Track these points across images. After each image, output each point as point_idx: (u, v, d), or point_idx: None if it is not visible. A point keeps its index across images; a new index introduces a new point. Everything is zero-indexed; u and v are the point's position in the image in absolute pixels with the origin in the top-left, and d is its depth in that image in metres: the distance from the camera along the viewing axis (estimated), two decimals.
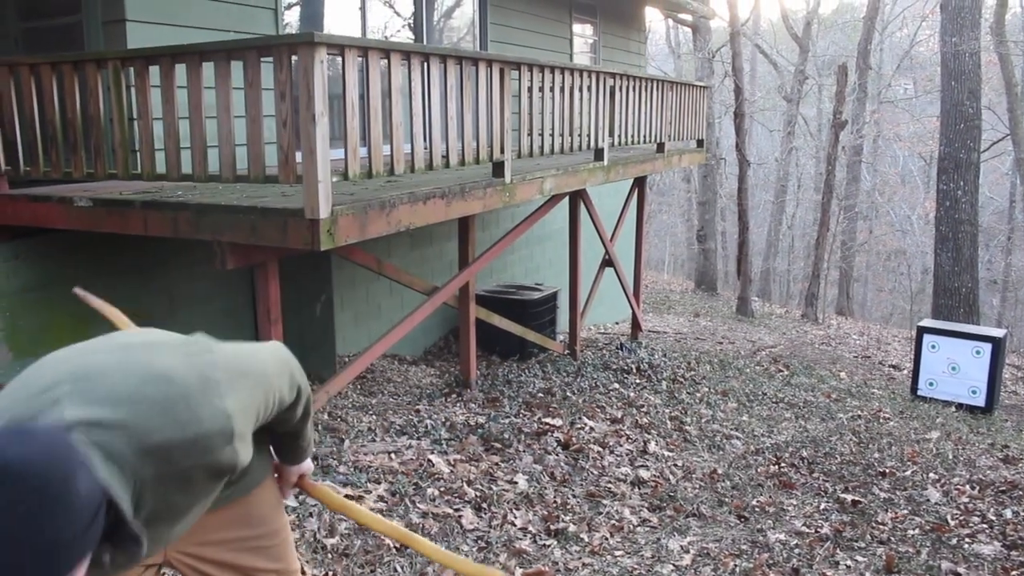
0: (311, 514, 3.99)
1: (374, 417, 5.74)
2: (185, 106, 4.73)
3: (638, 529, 4.50)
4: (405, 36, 8.59)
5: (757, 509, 4.91)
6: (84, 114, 5.08)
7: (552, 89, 6.72)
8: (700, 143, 11.77)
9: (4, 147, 5.32)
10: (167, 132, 4.75)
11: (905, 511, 4.99)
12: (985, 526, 4.80)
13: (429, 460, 4.85)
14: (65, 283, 5.66)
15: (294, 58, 4.39)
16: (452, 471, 4.79)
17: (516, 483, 4.80)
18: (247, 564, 1.94)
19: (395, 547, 3.81)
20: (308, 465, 2.14)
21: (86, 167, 5.15)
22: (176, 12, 6.11)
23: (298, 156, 4.15)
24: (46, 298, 5.57)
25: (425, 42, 8.61)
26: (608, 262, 9.78)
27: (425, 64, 4.95)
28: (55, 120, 5.13)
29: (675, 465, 5.62)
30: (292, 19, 7.41)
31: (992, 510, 5.05)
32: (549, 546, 4.11)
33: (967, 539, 4.59)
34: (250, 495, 1.95)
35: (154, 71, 4.83)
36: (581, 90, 7.26)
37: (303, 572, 3.36)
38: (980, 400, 8.78)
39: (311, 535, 3.83)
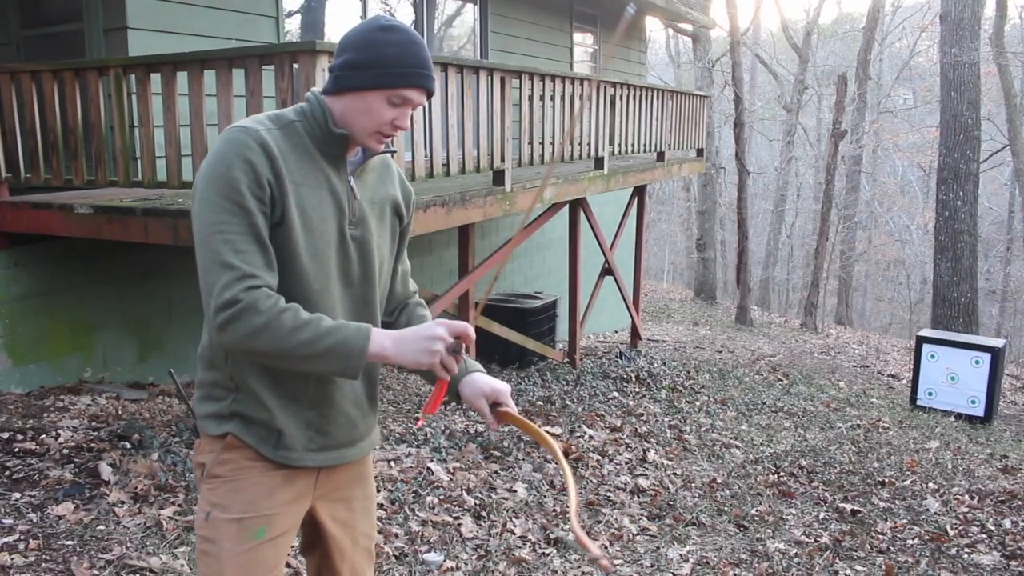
0: None
1: None
2: (186, 114, 4.75)
3: (637, 538, 4.50)
4: None
5: (756, 518, 4.90)
6: (85, 121, 5.09)
7: (553, 98, 6.74)
8: (700, 152, 11.80)
9: (5, 154, 5.33)
10: (168, 140, 4.77)
11: (904, 521, 4.98)
12: (984, 536, 4.79)
13: (428, 468, 4.85)
14: (65, 290, 5.68)
15: (295, 66, 4.41)
16: (451, 479, 4.78)
17: (515, 491, 4.79)
18: (358, 525, 2.03)
19: (394, 555, 3.81)
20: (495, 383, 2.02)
21: (87, 174, 5.16)
22: (178, 20, 6.13)
23: None
24: (46, 305, 5.57)
25: None
26: (608, 271, 9.79)
27: None
28: (56, 127, 5.15)
29: (674, 474, 5.62)
30: (293, 27, 7.43)
31: (991, 520, 5.05)
32: (548, 554, 4.11)
33: (966, 549, 4.59)
34: (370, 453, 2.06)
35: (156, 79, 4.85)
36: (582, 99, 7.28)
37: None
38: (979, 410, 8.78)
39: None
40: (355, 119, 1.78)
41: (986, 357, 8.80)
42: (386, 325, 2.07)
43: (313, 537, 2.01)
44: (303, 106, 1.83)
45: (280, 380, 1.80)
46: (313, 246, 1.77)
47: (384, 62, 1.75)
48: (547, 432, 2.15)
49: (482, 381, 2.00)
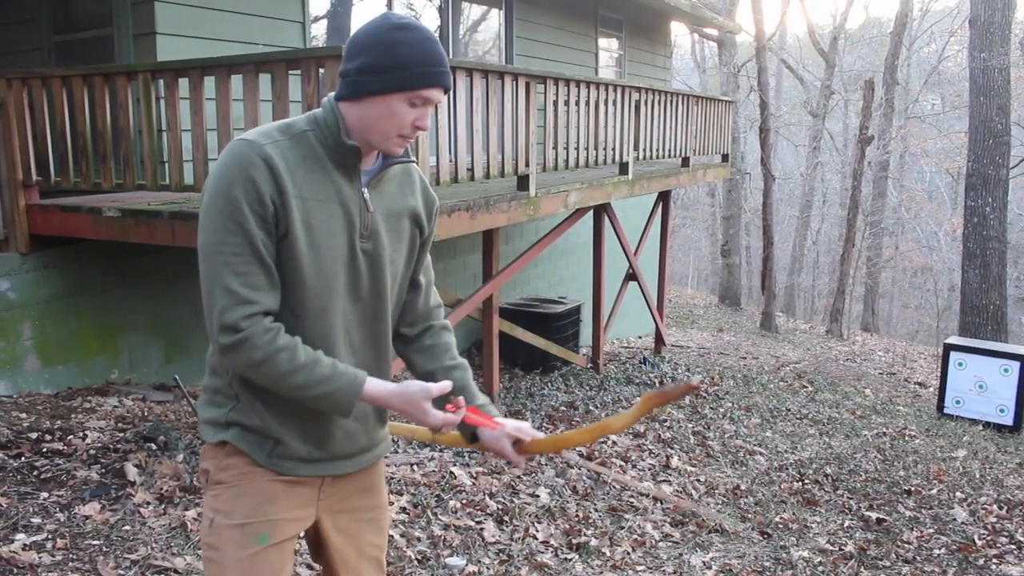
0: None
1: None
2: (213, 118, 4.79)
3: (660, 544, 4.48)
4: None
5: (780, 526, 4.87)
6: (114, 125, 5.14)
7: (578, 103, 6.74)
8: (725, 158, 11.75)
9: (36, 157, 5.40)
10: (195, 144, 4.81)
11: (931, 530, 4.93)
12: (1013, 547, 4.74)
13: (451, 472, 4.85)
14: (93, 292, 5.74)
15: (321, 71, 4.44)
16: (474, 484, 4.79)
17: (538, 496, 4.79)
18: (364, 536, 2.02)
19: (416, 559, 3.81)
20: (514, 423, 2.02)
21: (115, 178, 5.22)
22: (206, 25, 6.19)
23: None
24: (74, 307, 5.63)
25: (451, 56, 8.65)
26: (632, 276, 9.76)
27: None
28: (86, 131, 5.20)
29: (698, 480, 5.59)
30: (319, 32, 7.48)
31: (1020, 530, 4.98)
32: (571, 560, 4.10)
33: (994, 560, 4.53)
34: (379, 463, 2.06)
35: (184, 83, 4.90)
36: (607, 104, 7.27)
37: None
38: (1008, 419, 8.67)
39: None
40: (376, 124, 1.75)
41: (1015, 365, 8.69)
42: (409, 339, 2.06)
43: (317, 547, 2.02)
44: (317, 113, 1.80)
45: (279, 394, 1.80)
46: (317, 263, 1.75)
47: (403, 63, 1.71)
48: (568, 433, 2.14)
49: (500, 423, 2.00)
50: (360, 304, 1.86)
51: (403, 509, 4.26)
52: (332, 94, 1.81)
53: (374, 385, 1.77)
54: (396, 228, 1.90)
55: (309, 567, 3.50)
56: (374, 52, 1.72)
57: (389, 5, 8.01)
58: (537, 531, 4.34)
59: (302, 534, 1.99)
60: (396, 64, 1.71)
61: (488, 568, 3.86)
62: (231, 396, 1.83)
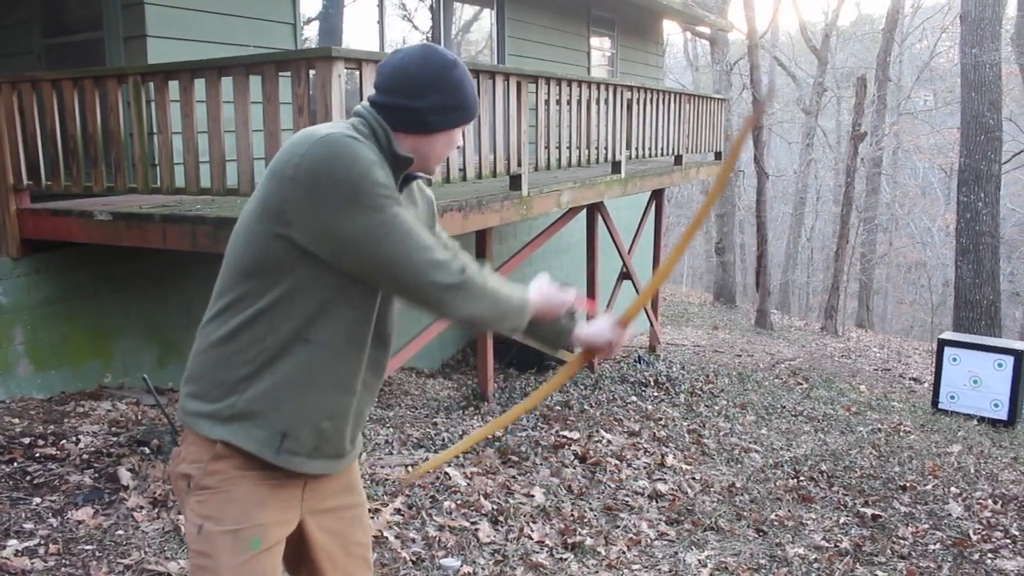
0: None
1: (391, 430, 5.75)
2: (204, 120, 4.77)
3: (655, 543, 4.47)
4: None
5: (776, 523, 4.87)
6: (105, 129, 5.13)
7: (570, 102, 6.73)
8: (718, 156, 11.76)
9: (26, 161, 5.38)
10: (186, 146, 4.80)
11: (926, 525, 4.94)
12: (1008, 541, 4.74)
13: (446, 473, 4.84)
14: (85, 296, 5.72)
15: (312, 72, 4.43)
16: (469, 484, 4.78)
17: (533, 496, 4.78)
18: (349, 534, 2.04)
19: (411, 560, 3.80)
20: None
21: (106, 181, 5.20)
22: (196, 27, 6.17)
23: None
24: (66, 311, 5.62)
25: None
26: (626, 275, 9.77)
27: None
28: (76, 135, 5.19)
29: (693, 478, 5.59)
30: (311, 34, 7.46)
31: (1015, 525, 4.99)
32: (566, 560, 4.09)
33: (989, 554, 4.53)
34: (355, 464, 2.10)
35: (174, 86, 4.88)
36: (599, 103, 7.27)
37: None
38: (1003, 414, 8.68)
39: None
40: (441, 152, 1.92)
41: (1009, 360, 8.71)
42: None
43: (300, 552, 1.99)
44: (362, 124, 1.85)
45: (309, 386, 1.80)
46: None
47: (468, 102, 1.91)
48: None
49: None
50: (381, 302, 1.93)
51: (397, 511, 4.25)
52: (367, 104, 1.89)
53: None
54: None
55: None
56: (445, 92, 1.86)
57: (380, 7, 8.00)
58: (532, 531, 4.33)
59: None
60: (464, 102, 1.90)
61: (483, 568, 3.86)
62: (236, 388, 1.79)
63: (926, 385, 11.47)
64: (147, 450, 4.46)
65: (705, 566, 4.18)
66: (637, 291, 9.76)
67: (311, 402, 1.81)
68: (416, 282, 1.75)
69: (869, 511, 5.10)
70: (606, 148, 7.59)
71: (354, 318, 1.82)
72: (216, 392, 1.81)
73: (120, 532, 3.63)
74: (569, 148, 6.84)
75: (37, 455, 4.29)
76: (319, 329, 1.78)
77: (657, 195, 10.33)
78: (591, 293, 8.72)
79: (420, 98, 1.83)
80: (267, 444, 1.80)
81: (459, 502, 4.50)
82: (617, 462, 5.64)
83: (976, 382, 8.84)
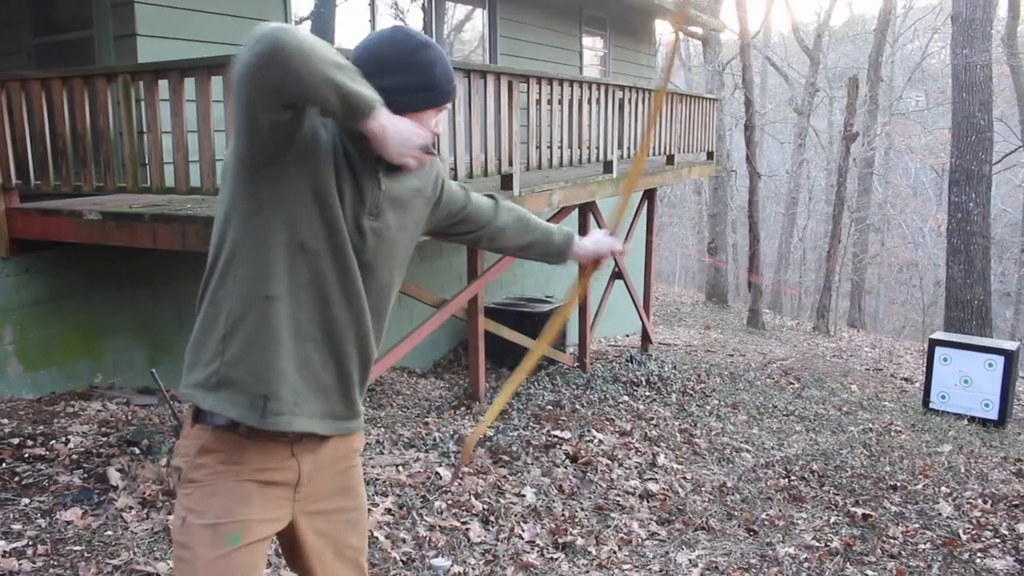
0: None
1: (382, 430, 5.74)
2: (194, 119, 4.76)
3: (646, 543, 4.48)
4: None
5: (767, 523, 4.87)
6: (94, 128, 5.11)
7: (561, 102, 6.73)
8: (710, 155, 11.77)
9: (15, 161, 5.36)
10: (176, 145, 4.78)
11: (916, 525, 4.95)
12: (997, 540, 4.75)
13: (437, 473, 4.84)
14: (75, 296, 5.70)
15: None
16: (460, 484, 4.78)
17: (524, 496, 4.78)
18: (341, 537, 2.03)
19: (401, 560, 3.80)
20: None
21: (96, 180, 5.18)
22: (187, 26, 6.16)
23: None
24: (56, 310, 5.60)
25: None
26: (618, 274, 9.76)
27: None
28: (66, 134, 5.17)
29: (684, 478, 5.60)
30: None
31: (1005, 524, 5.00)
32: (557, 559, 4.09)
33: (979, 554, 4.55)
34: (357, 466, 2.07)
35: (163, 85, 4.87)
36: (591, 103, 7.27)
37: None
38: (993, 413, 8.71)
39: None
40: None
41: (1000, 360, 8.73)
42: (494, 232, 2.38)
43: (292, 551, 2.01)
44: None
45: (275, 340, 1.78)
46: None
47: (437, 82, 1.88)
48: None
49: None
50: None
51: (388, 511, 4.24)
52: None
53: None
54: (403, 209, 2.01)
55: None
56: (410, 72, 1.85)
57: (372, 5, 7.99)
58: (523, 531, 4.33)
59: (275, 539, 1.97)
60: (433, 83, 1.87)
61: (474, 568, 3.85)
62: (218, 351, 1.78)
63: (917, 385, 11.49)
64: (137, 450, 4.45)
65: (696, 566, 4.18)
66: (629, 291, 9.77)
67: (280, 351, 1.78)
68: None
69: (860, 511, 5.11)
70: (598, 148, 7.59)
71: (311, 264, 1.78)
72: (205, 355, 1.82)
73: (109, 533, 3.62)
74: (561, 148, 6.84)
75: (26, 456, 4.27)
76: (277, 282, 1.77)
77: (650, 195, 10.33)
78: (583, 292, 8.71)
79: (384, 77, 1.80)
80: (251, 408, 1.78)
81: (450, 502, 4.49)
82: (608, 462, 5.64)
83: (967, 382, 8.86)
